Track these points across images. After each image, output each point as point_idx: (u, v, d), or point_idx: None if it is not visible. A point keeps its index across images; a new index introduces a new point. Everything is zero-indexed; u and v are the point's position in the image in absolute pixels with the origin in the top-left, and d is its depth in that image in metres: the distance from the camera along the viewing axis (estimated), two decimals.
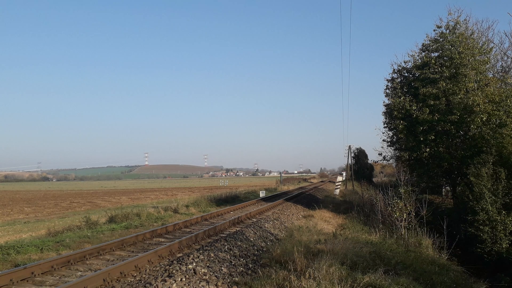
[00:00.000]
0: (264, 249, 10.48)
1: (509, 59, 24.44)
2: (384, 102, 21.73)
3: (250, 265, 8.67)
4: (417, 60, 19.86)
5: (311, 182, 72.50)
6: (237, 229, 12.53)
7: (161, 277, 6.90)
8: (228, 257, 8.87)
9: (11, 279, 6.87)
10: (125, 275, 7.15)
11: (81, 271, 7.79)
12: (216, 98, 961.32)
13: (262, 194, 30.74)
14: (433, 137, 17.86)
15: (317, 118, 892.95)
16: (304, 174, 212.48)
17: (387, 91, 21.38)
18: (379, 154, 23.26)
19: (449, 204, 24.78)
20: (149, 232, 11.60)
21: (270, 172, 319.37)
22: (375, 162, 29.51)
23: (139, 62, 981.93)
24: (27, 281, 7.12)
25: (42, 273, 7.47)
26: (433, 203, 23.59)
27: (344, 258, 8.61)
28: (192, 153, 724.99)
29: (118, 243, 9.99)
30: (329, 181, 73.64)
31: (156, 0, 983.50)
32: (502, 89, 17.88)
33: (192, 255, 8.36)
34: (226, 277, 7.50)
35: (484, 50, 19.62)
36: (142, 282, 6.71)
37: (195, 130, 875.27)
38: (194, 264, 7.74)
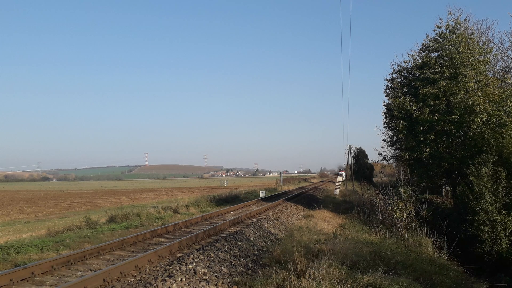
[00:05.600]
0: (264, 249, 10.48)
1: (509, 59, 24.44)
2: (384, 102, 21.74)
3: (250, 265, 8.67)
4: (417, 60, 19.86)
5: (311, 182, 72.50)
6: (237, 229, 12.53)
7: (161, 277, 6.90)
8: (228, 257, 8.87)
9: (11, 279, 6.87)
10: (125, 275, 7.16)
11: (81, 271, 7.79)
12: (216, 98, 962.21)
13: (262, 194, 30.75)
14: (433, 137, 17.86)
15: (317, 118, 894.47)
16: (304, 174, 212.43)
17: (387, 91, 21.38)
18: (379, 154, 23.28)
19: (449, 204, 24.77)
20: (149, 232, 11.60)
21: (270, 172, 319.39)
22: (375, 162, 29.49)
23: (139, 62, 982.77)
24: (27, 281, 7.11)
25: (42, 273, 7.47)
26: (433, 203, 23.57)
27: (344, 258, 8.62)
28: (192, 153, 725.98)
29: (118, 243, 9.99)
30: (329, 181, 73.64)
31: (156, 0, 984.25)
32: (502, 89, 17.88)
33: (192, 255, 8.36)
34: (226, 277, 7.50)
35: (484, 50, 19.61)
36: (142, 282, 6.71)
37: (195, 130, 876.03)
38: (194, 264, 7.74)
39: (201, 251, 8.79)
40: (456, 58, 17.74)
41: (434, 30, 19.70)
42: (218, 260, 8.38)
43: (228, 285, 7.13)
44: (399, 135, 19.87)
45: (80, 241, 11.94)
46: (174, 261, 7.97)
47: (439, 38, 19.29)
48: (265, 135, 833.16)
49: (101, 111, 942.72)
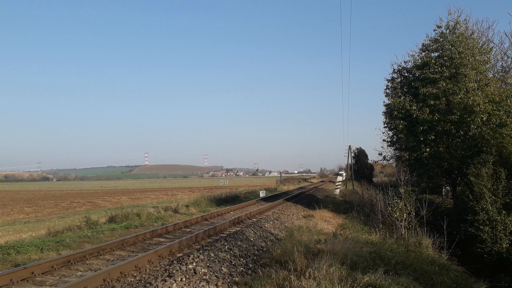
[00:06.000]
0: (264, 249, 10.48)
1: (509, 59, 24.45)
2: (384, 102, 21.74)
3: (250, 265, 8.67)
4: (417, 60, 19.86)
5: (311, 182, 72.47)
6: (237, 229, 12.53)
7: (161, 277, 6.90)
8: (228, 257, 8.87)
9: (11, 279, 6.87)
10: (125, 275, 7.15)
11: (81, 271, 7.79)
12: (216, 98, 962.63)
13: (262, 194, 30.74)
14: (433, 137, 17.86)
15: (317, 118, 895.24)
16: (304, 174, 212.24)
17: (387, 91, 21.38)
18: (379, 154, 23.28)
19: (449, 204, 24.77)
20: (149, 232, 11.60)
21: (270, 172, 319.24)
22: (375, 162, 29.47)
23: (139, 62, 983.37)
24: (27, 281, 7.11)
25: (42, 273, 7.47)
26: (433, 203, 23.58)
27: (344, 258, 8.61)
28: (192, 153, 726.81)
29: (118, 243, 9.99)
30: (329, 181, 73.59)
31: (156, 0, 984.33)
32: (502, 89, 17.88)
33: (192, 255, 8.36)
34: (226, 277, 7.50)
35: (484, 50, 19.62)
36: (142, 282, 6.71)
37: (195, 130, 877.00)
38: (194, 264, 7.74)
39: (201, 251, 8.79)
40: (456, 58, 17.74)
41: (434, 30, 19.71)
42: (218, 260, 8.38)
43: (228, 285, 7.13)
44: (399, 135, 19.87)
45: (80, 241, 11.94)
46: (174, 261, 7.97)
47: (439, 38, 19.29)
48: (265, 135, 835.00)
49: (101, 111, 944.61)
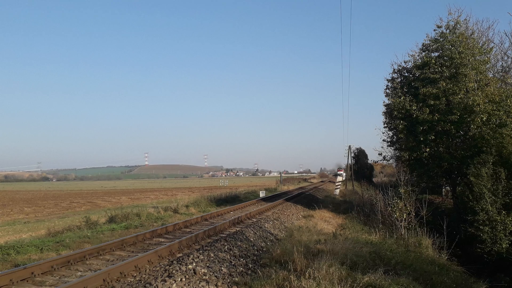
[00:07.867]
0: (264, 249, 10.48)
1: (509, 59, 24.44)
2: (384, 102, 21.73)
3: (250, 265, 8.67)
4: (417, 60, 19.86)
5: (311, 182, 72.48)
6: (237, 229, 12.53)
7: (161, 277, 6.90)
8: (228, 257, 8.86)
9: (11, 279, 6.86)
10: (125, 275, 7.15)
11: (81, 271, 7.79)
12: (217, 98, 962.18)
13: (262, 194, 30.74)
14: (433, 137, 17.86)
15: (317, 118, 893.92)
16: (304, 174, 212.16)
17: (387, 91, 21.37)
18: (379, 154, 23.28)
19: (449, 204, 24.78)
20: (149, 232, 11.60)
21: (270, 172, 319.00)
22: (375, 162, 29.51)
23: (139, 62, 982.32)
24: (27, 281, 7.11)
25: (42, 273, 7.47)
26: (433, 203, 23.60)
27: (344, 258, 8.61)
28: (192, 153, 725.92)
29: (118, 243, 9.99)
30: (329, 181, 73.62)
31: (157, 0, 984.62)
32: (502, 89, 17.89)
33: (192, 255, 8.35)
34: (226, 277, 7.50)
35: (484, 50, 19.63)
36: (142, 282, 6.71)
37: (195, 130, 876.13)
38: (194, 264, 7.73)
39: (201, 251, 8.79)
40: (456, 58, 17.74)
41: (434, 30, 19.71)
42: (218, 260, 8.38)
43: (228, 285, 7.13)
44: (399, 135, 19.87)
45: (80, 241, 11.93)
46: (174, 261, 7.96)
47: (439, 38, 19.29)
48: (265, 135, 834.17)
49: (101, 111, 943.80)
